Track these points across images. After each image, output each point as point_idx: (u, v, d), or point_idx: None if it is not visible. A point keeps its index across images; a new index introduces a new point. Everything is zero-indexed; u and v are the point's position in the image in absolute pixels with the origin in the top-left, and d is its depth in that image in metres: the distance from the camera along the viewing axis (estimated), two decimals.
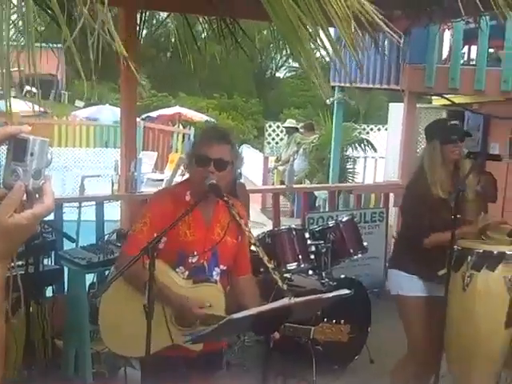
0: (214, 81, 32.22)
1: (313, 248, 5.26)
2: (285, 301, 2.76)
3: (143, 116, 21.47)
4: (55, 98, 29.25)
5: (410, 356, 4.29)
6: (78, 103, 28.04)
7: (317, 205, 11.34)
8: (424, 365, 4.21)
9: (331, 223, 5.55)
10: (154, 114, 22.57)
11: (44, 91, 29.08)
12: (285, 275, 5.16)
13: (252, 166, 15.47)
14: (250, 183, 14.18)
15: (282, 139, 14.86)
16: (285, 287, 3.37)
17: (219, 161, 3.08)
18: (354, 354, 5.34)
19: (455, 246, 3.84)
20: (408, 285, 4.16)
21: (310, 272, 5.40)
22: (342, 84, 9.15)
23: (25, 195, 1.21)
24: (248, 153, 16.56)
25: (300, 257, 5.12)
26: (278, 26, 2.18)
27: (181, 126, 22.29)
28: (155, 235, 2.98)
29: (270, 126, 15.86)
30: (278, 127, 15.64)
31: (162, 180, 15.19)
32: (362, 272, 6.59)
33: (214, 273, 3.20)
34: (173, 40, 6.38)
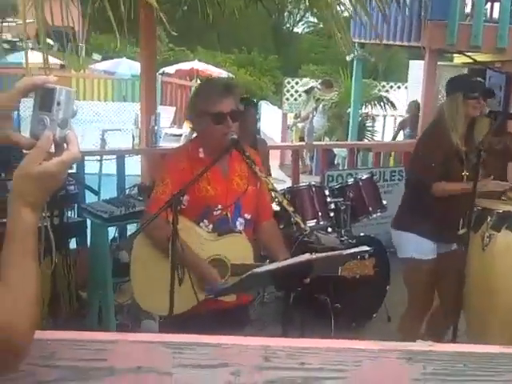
0: (232, 36, 31.94)
1: (332, 205, 5.28)
2: (307, 256, 2.79)
3: (160, 71, 21.34)
4: (72, 51, 29.10)
5: (414, 313, 4.33)
6: (96, 56, 27.89)
7: (336, 162, 11.32)
8: (439, 320, 4.26)
9: (350, 181, 5.55)
10: (171, 68, 22.41)
11: (61, 44, 28.97)
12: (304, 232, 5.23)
13: (270, 122, 15.38)
14: (269, 139, 14.15)
15: (300, 95, 14.75)
16: (307, 228, 3.42)
17: (233, 113, 3.10)
18: (372, 311, 5.40)
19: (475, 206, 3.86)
20: (419, 248, 4.14)
21: (330, 230, 5.44)
22: (363, 40, 9.04)
23: (52, 145, 1.24)
24: (266, 109, 16.45)
25: (319, 214, 5.14)
26: None
27: (199, 81, 22.15)
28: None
29: (288, 83, 15.74)
30: (296, 83, 15.54)
31: (181, 135, 15.14)
32: (382, 230, 6.58)
33: (238, 223, 3.23)
34: None
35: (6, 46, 28.17)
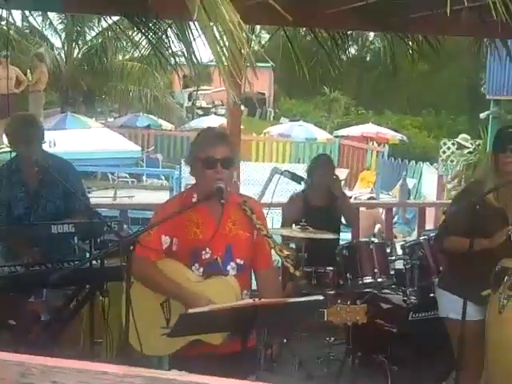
0: (422, 98, 31.77)
1: (398, 264, 5.10)
2: (248, 301, 2.80)
3: (334, 134, 21.78)
4: (261, 116, 30.66)
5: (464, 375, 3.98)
6: (283, 120, 29.14)
7: None
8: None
9: (422, 239, 5.31)
10: (344, 131, 22.74)
11: (251, 109, 30.63)
12: (366, 290, 5.11)
13: (430, 184, 15.13)
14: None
15: (455, 157, 14.21)
16: (297, 273, 3.38)
17: (224, 160, 3.22)
18: (441, 379, 5.01)
19: (497, 265, 3.57)
20: (456, 308, 3.80)
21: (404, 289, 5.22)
22: (498, 97, 8.66)
23: None
24: (427, 171, 16.19)
25: (375, 271, 4.98)
26: None
27: (375, 144, 22.27)
28: (162, 237, 3.22)
29: (444, 144, 15.11)
30: (453, 144, 14.90)
31: (350, 197, 15.24)
32: None
33: (229, 267, 3.28)
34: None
35: (199, 112, 30.43)
